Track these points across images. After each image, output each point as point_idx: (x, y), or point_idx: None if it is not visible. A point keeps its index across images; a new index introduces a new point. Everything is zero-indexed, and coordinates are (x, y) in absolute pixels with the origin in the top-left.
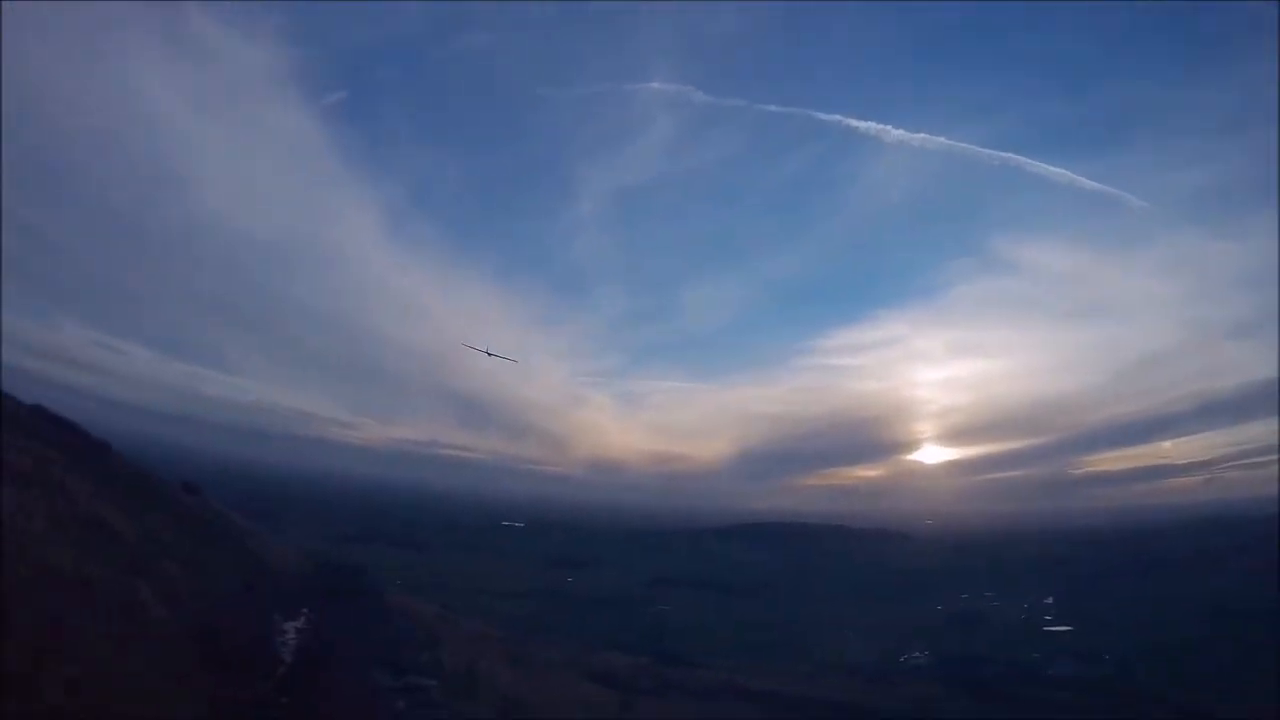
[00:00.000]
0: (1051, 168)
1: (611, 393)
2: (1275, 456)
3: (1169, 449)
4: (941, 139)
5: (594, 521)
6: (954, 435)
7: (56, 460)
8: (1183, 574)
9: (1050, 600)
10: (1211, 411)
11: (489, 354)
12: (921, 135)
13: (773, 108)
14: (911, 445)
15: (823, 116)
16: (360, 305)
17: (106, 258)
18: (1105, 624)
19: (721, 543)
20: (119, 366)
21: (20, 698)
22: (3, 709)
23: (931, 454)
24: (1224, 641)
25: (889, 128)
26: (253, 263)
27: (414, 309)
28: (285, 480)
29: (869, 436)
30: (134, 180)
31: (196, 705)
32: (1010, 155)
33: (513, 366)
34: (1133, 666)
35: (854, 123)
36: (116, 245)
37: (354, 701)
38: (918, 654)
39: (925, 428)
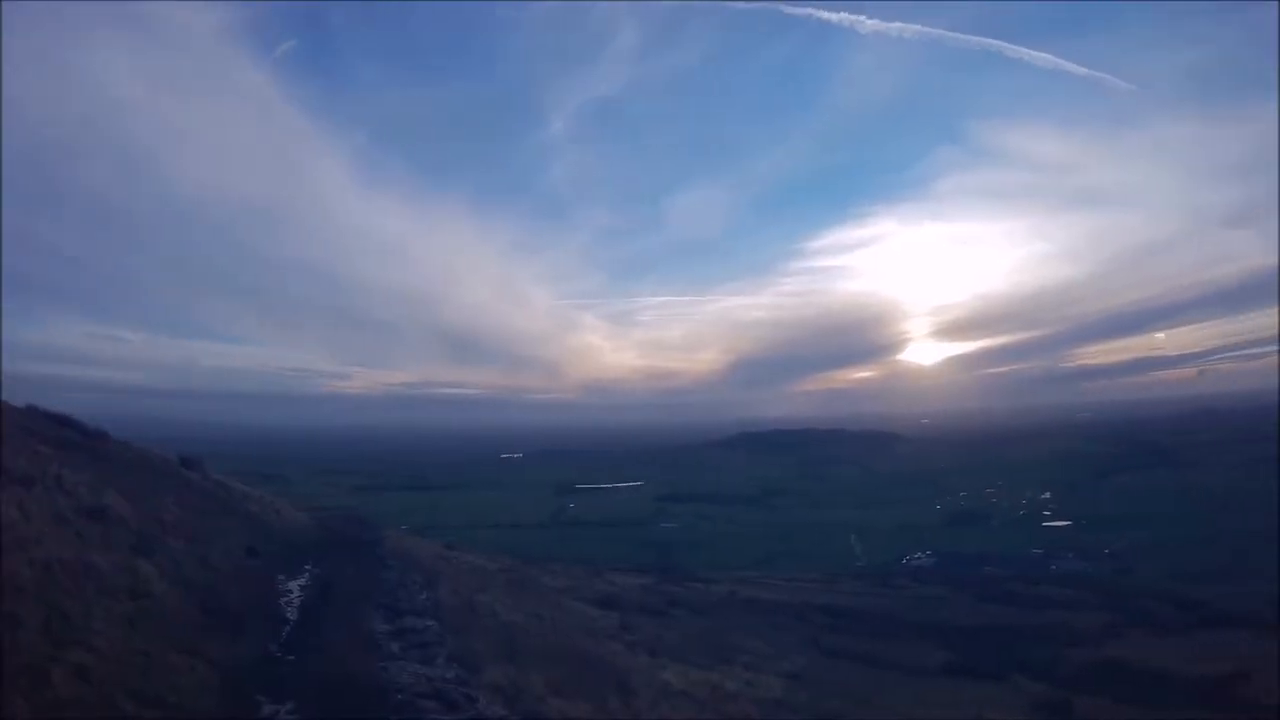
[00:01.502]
0: (1034, 52)
1: (600, 313)
2: (1272, 348)
3: (1162, 340)
4: (918, 27)
5: (593, 444)
6: (947, 331)
7: (53, 457)
8: (1177, 466)
9: (1048, 495)
10: (1208, 302)
11: None
12: (897, 24)
13: (739, 4)
14: (904, 344)
15: (792, 10)
16: (340, 254)
17: (84, 248)
18: (1103, 518)
19: (721, 454)
20: (114, 353)
21: (30, 692)
22: (14, 705)
23: (924, 352)
24: (1221, 534)
25: (863, 18)
26: (229, 228)
27: (393, 251)
28: (288, 440)
29: (861, 337)
30: (97, 165)
31: (206, 674)
32: (990, 40)
33: (499, 296)
34: (1133, 560)
35: (826, 15)
36: (92, 233)
37: (351, 651)
38: (920, 555)
39: (917, 325)
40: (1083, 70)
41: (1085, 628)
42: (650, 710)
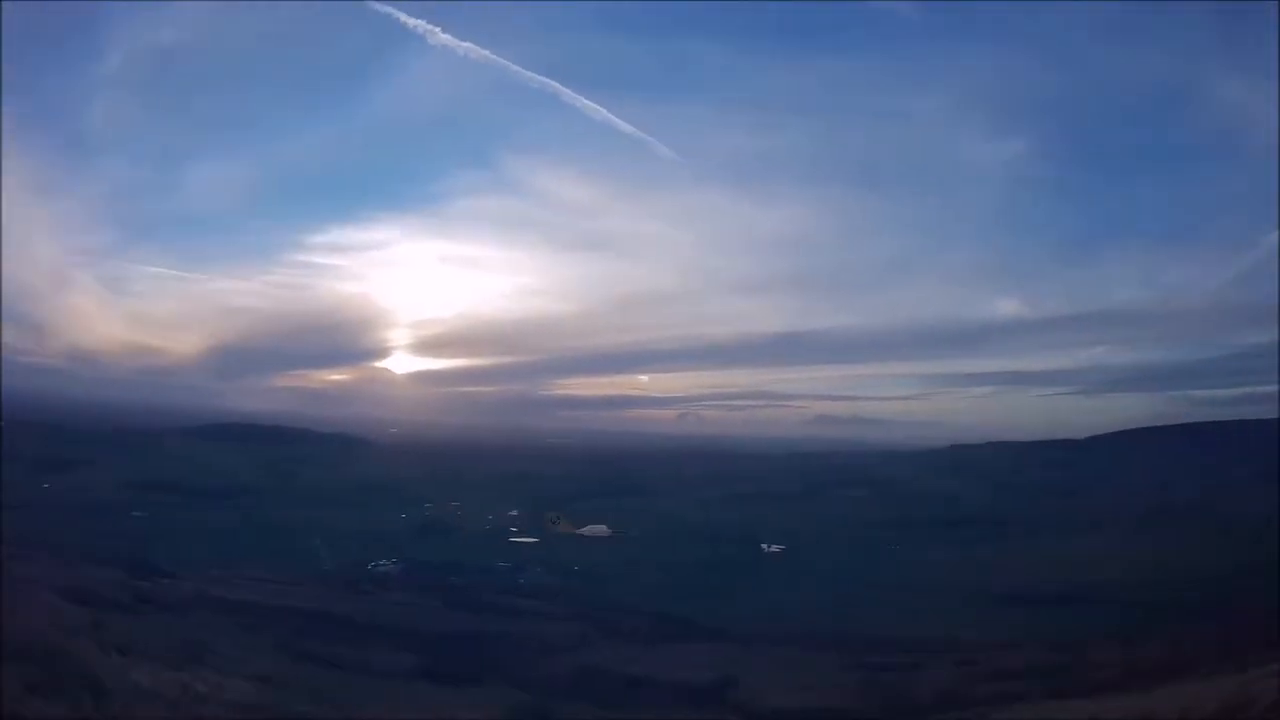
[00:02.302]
0: (589, 102)
1: (98, 274)
2: (752, 402)
3: (646, 381)
4: (486, 52)
5: (71, 419)
6: (429, 346)
7: None
8: (653, 496)
9: (515, 513)
10: (696, 354)
11: None
12: (468, 44)
13: None
14: (384, 352)
15: (376, 6)
16: None
17: None
18: (572, 538)
19: (194, 444)
20: None
21: None
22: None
23: (402, 362)
24: (695, 557)
25: (437, 30)
26: None
27: None
28: None
29: (343, 340)
30: None
31: None
32: (550, 81)
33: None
34: (603, 577)
35: (405, 19)
36: None
37: None
38: (386, 562)
39: (399, 335)
40: (630, 129)
41: (558, 637)
42: (124, 712)
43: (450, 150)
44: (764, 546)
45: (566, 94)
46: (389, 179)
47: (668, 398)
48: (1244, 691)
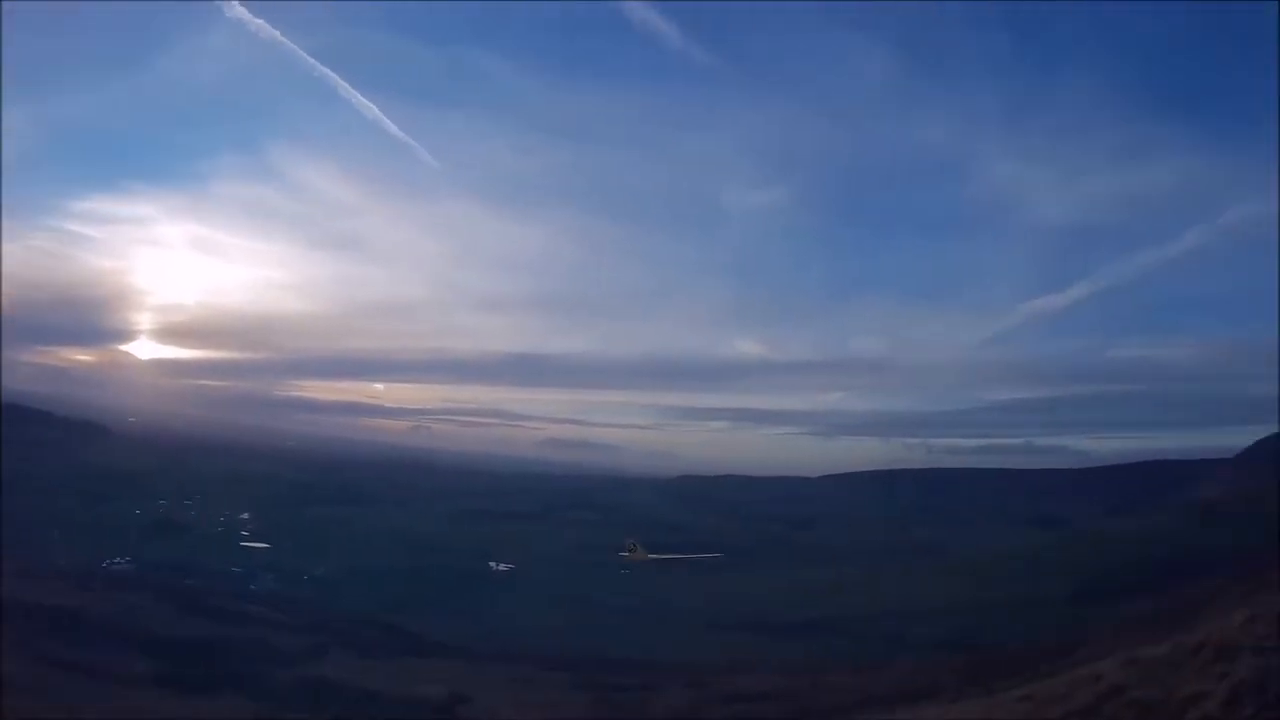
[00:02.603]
0: (364, 99)
1: None
2: (486, 419)
3: (381, 390)
4: (276, 33)
5: None
6: (173, 333)
7: None
8: (381, 505)
9: (247, 516)
10: (436, 366)
11: None
12: (261, 21)
13: None
14: (128, 335)
15: None
16: None
17: None
18: (303, 545)
19: None
20: None
21: None
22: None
23: (145, 348)
24: (418, 570)
25: (236, 3)
26: None
27: None
28: None
29: (90, 318)
30: None
31: None
32: (329, 72)
33: None
34: (334, 587)
35: None
36: None
37: None
38: (120, 560)
39: (145, 319)
40: (398, 131)
41: (290, 647)
42: None
43: (221, 129)
44: (493, 564)
45: (344, 88)
46: (156, 151)
47: (401, 408)
48: (987, 715)
